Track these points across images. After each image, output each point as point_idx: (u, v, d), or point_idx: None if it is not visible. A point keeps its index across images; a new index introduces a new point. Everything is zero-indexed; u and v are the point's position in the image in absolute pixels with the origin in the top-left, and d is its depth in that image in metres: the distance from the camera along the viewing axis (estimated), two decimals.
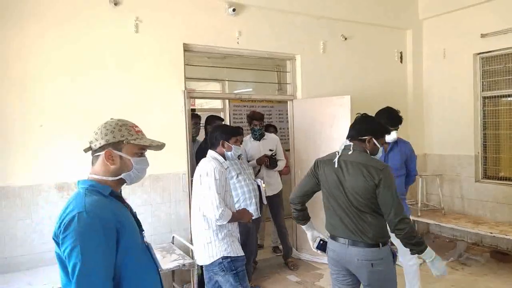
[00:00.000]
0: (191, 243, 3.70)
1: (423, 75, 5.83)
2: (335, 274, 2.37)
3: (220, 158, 2.77)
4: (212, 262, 2.59)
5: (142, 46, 3.81)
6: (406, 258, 3.20)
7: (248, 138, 4.42)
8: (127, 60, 3.75)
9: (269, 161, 4.20)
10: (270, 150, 4.26)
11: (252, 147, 4.32)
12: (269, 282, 4.18)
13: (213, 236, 2.59)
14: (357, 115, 2.41)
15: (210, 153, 2.81)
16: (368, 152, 2.26)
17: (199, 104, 7.77)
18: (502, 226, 4.41)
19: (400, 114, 3.18)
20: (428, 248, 2.16)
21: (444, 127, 5.48)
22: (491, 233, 4.28)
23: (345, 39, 5.19)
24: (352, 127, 2.35)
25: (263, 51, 4.68)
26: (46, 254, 3.22)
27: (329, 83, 5.06)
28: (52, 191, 3.40)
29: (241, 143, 3.56)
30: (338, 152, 2.30)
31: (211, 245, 2.59)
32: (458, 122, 5.30)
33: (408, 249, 3.13)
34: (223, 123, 4.69)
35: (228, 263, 2.57)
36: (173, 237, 3.72)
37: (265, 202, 3.70)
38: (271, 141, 4.40)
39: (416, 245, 2.13)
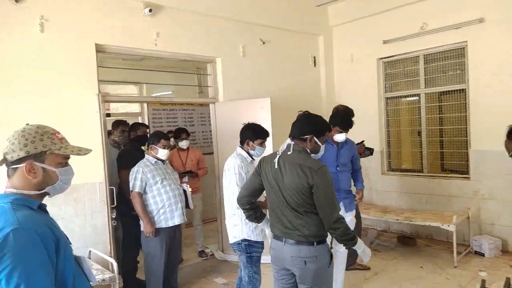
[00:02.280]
0: (111, 256, 3.51)
1: (334, 78, 6.26)
2: (276, 272, 2.42)
3: (245, 154, 3.06)
4: (234, 242, 3.00)
5: (49, 47, 3.50)
6: (338, 246, 3.44)
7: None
8: (33, 62, 3.41)
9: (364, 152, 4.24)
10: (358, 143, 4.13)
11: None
12: (196, 287, 4.12)
13: (238, 220, 2.96)
14: (299, 112, 2.37)
15: (238, 149, 3.11)
16: (309, 150, 2.25)
17: (114, 108, 7.37)
18: (406, 213, 4.92)
19: (353, 119, 3.38)
20: (359, 240, 2.25)
21: (355, 126, 5.93)
22: (397, 220, 4.76)
23: (264, 43, 5.35)
24: (294, 126, 2.31)
25: (183, 54, 4.61)
26: None
27: (249, 86, 5.16)
28: None
29: (168, 148, 3.47)
30: (278, 152, 2.31)
31: (236, 228, 2.99)
32: (366, 121, 5.74)
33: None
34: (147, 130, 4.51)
35: (245, 246, 2.96)
36: (90, 251, 3.47)
37: (191, 206, 3.64)
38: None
39: (350, 240, 2.19)
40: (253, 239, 2.96)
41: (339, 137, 3.35)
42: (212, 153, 5.13)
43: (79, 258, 1.45)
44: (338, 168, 3.39)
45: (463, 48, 4.89)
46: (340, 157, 3.43)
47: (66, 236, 1.41)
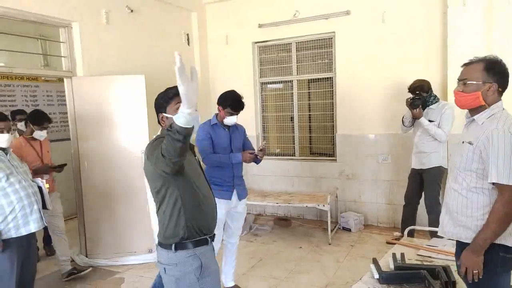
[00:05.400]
0: None
1: (209, 60, 5.94)
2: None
3: None
4: None
5: None
6: (231, 237, 3.38)
7: None
8: None
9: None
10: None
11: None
12: None
13: None
14: None
15: None
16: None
17: None
18: (284, 196, 5.02)
19: (244, 100, 3.17)
20: None
21: None
22: (277, 203, 4.80)
23: (132, 11, 4.64)
24: None
25: (24, 12, 3.59)
26: None
27: (116, 60, 4.42)
28: None
29: (8, 131, 2.61)
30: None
31: None
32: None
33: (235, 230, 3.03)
34: None
35: None
36: None
37: (49, 207, 2.81)
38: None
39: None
40: None
41: (230, 119, 3.17)
42: (65, 139, 4.23)
43: None
44: (232, 152, 3.23)
45: (331, 38, 5.19)
46: (234, 141, 3.27)
47: None
